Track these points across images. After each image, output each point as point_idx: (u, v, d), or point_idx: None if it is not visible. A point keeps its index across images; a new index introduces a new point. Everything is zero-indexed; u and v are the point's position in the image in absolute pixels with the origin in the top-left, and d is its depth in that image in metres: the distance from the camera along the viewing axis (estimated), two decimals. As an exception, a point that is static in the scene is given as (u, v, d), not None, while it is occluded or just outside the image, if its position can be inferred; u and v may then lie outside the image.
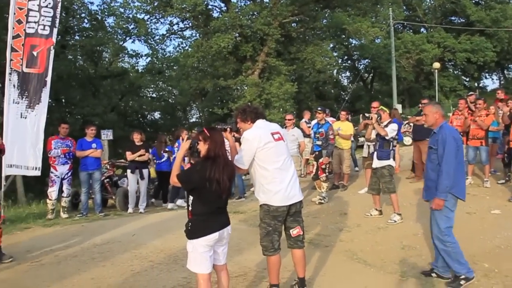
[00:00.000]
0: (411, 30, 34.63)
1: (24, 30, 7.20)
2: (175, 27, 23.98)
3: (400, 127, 7.50)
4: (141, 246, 5.80)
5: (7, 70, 7.12)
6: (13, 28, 7.20)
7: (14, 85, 7.08)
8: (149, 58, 30.12)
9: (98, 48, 26.66)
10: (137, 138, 8.70)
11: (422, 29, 33.88)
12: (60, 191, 8.09)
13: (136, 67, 31.61)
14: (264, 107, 18.33)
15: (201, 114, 36.55)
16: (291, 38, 20.88)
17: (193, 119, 38.08)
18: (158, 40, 26.97)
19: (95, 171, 8.17)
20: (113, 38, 27.77)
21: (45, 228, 6.94)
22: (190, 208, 3.45)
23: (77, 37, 25.31)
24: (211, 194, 3.34)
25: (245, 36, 19.07)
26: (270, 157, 3.85)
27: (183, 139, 9.18)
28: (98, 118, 17.95)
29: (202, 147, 3.45)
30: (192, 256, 3.41)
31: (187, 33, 25.11)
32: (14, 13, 7.28)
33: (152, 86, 32.04)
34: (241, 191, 9.18)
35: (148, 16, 25.76)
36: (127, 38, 29.51)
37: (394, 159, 6.51)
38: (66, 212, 8.10)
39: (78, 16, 25.45)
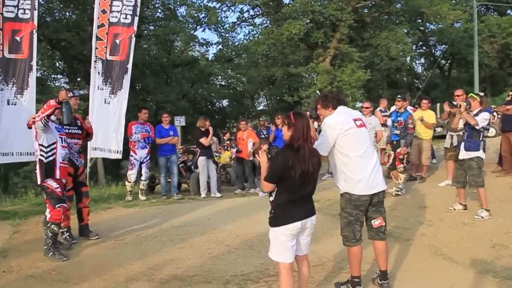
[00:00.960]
0: (496, 12, 31.87)
1: (108, 19, 7.54)
2: (246, 15, 24.08)
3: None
4: (217, 230, 5.88)
5: (92, 58, 7.51)
6: (98, 18, 7.58)
7: (98, 72, 7.46)
8: (219, 46, 30.56)
9: (170, 37, 27.57)
10: (203, 124, 8.84)
11: (508, 11, 31.06)
12: (138, 174, 8.47)
13: (206, 55, 32.25)
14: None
15: (268, 102, 36.60)
16: (364, 24, 20.11)
17: (261, 107, 38.28)
18: (228, 28, 27.26)
19: (172, 155, 8.55)
20: (185, 27, 28.55)
21: (126, 209, 7.29)
22: (272, 197, 3.38)
23: (151, 27, 26.31)
24: (295, 183, 3.22)
25: (317, 22, 18.64)
26: (352, 144, 3.71)
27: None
28: (171, 105, 18.58)
29: (286, 133, 3.35)
30: (273, 244, 3.36)
31: (258, 20, 25.12)
32: (99, 4, 7.66)
33: (221, 74, 32.53)
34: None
35: (219, 5, 26.19)
36: (198, 27, 30.27)
37: (484, 150, 6.00)
38: (144, 194, 8.46)
39: (152, 6, 26.41)
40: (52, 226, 4.79)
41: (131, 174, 8.29)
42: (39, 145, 4.83)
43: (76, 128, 5.48)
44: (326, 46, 19.38)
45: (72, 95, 5.07)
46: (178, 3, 28.68)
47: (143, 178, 8.48)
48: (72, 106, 5.16)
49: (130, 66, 7.42)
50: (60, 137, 4.97)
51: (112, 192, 9.87)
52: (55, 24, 14.31)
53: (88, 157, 7.64)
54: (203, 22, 29.74)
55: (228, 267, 4.57)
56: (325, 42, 19.15)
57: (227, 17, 30.42)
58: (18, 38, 6.87)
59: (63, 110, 4.77)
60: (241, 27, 29.01)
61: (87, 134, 5.66)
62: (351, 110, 4.09)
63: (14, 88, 6.87)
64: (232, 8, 23.86)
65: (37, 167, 4.85)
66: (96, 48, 7.43)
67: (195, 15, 29.12)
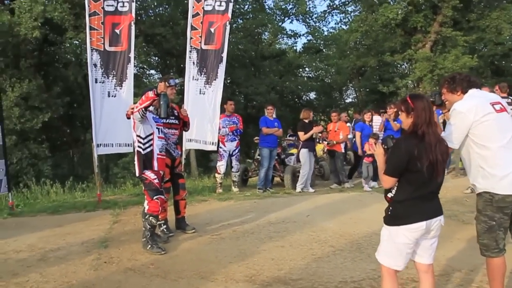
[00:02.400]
0: None
1: (203, 8, 7.37)
2: (337, 2, 23.10)
3: None
4: (318, 228, 5.38)
5: (187, 48, 7.39)
6: (193, 7, 7.43)
7: (193, 63, 7.33)
8: (308, 37, 29.90)
9: (258, 29, 27.46)
10: (307, 116, 8.38)
11: None
12: (228, 166, 8.31)
13: (294, 47, 31.72)
14: (435, 84, 16.34)
15: (357, 94, 35.07)
16: (470, 3, 18.06)
17: (349, 100, 36.88)
18: (318, 17, 26.44)
19: (275, 148, 8.29)
20: (273, 19, 28.27)
21: (220, 202, 7.08)
22: (392, 193, 2.82)
23: (239, 21, 26.42)
24: (422, 176, 2.69)
25: (416, 5, 17.11)
26: (491, 132, 3.03)
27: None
28: (261, 97, 18.42)
29: (405, 121, 2.85)
30: (385, 246, 2.87)
31: (349, 8, 23.97)
32: (194, -8, 7.51)
33: (310, 65, 31.80)
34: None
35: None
36: (286, 19, 29.83)
37: None
38: (236, 186, 8.25)
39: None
40: (150, 218, 4.65)
41: (221, 166, 8.12)
42: (137, 136, 4.71)
43: (173, 118, 5.30)
44: (426, 31, 17.72)
45: (168, 85, 4.88)
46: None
47: (234, 170, 8.28)
48: (169, 96, 4.99)
49: (225, 55, 7.18)
50: (157, 128, 4.82)
51: (205, 184, 9.84)
52: (151, 19, 14.87)
53: (184, 149, 7.56)
54: (291, 13, 29.28)
55: (335, 271, 4.06)
56: (425, 26, 17.51)
57: (315, 6, 29.40)
58: (117, 31, 6.97)
59: (161, 102, 4.59)
60: (332, 15, 27.80)
61: (184, 124, 5.48)
62: (487, 93, 3.46)
63: (114, 80, 6.97)
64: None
65: (136, 158, 4.75)
66: (191, 38, 7.29)
67: (283, 6, 28.73)
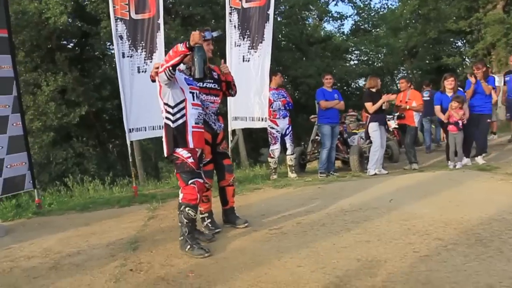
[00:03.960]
0: None
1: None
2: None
3: None
4: (409, 215, 4.01)
5: (227, 10, 6.22)
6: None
7: (234, 26, 6.13)
8: (356, 17, 28.06)
9: (302, 14, 25.99)
10: (375, 84, 6.95)
11: None
12: (283, 148, 7.09)
13: (341, 30, 29.88)
14: (511, 49, 14.18)
15: (410, 77, 32.58)
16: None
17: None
18: None
19: (337, 124, 6.98)
20: (317, 1, 26.67)
21: (277, 189, 5.86)
22: None
23: (282, 8, 25.07)
24: None
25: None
26: None
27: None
28: (312, 79, 17.02)
29: None
30: None
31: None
32: None
33: (359, 48, 29.83)
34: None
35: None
36: (330, 1, 28.10)
37: None
38: (294, 171, 7.00)
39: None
40: (187, 209, 3.50)
41: (275, 149, 6.90)
42: (164, 104, 3.58)
43: (212, 81, 4.12)
44: (496, -12, 15.50)
45: (203, 38, 3.69)
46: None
47: (289, 152, 7.03)
48: (206, 51, 3.82)
49: (271, 12, 5.89)
50: (191, 93, 3.65)
51: (257, 172, 8.65)
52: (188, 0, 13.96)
53: (229, 130, 6.41)
54: (336, -6, 27.55)
55: (459, 276, 2.72)
56: (495, -18, 15.31)
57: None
58: (144, -4, 5.93)
59: (195, 58, 3.43)
60: None
61: (228, 86, 4.27)
62: None
63: (143, 53, 5.93)
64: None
65: (163, 134, 3.61)
66: (230, -3, 6.11)
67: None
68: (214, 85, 4.12)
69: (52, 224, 5.06)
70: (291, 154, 7.06)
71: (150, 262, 3.41)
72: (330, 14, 28.51)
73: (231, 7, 6.13)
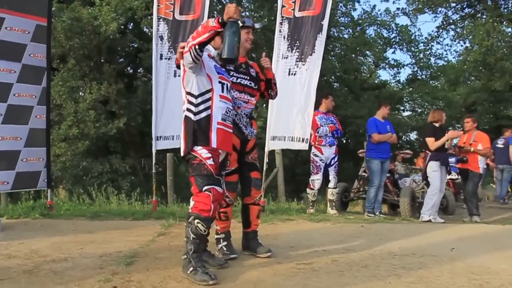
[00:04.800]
0: None
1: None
2: (453, 17, 20.40)
3: None
4: (480, 269, 3.10)
5: (278, 20, 5.69)
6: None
7: (284, 37, 5.58)
8: (413, 67, 27.22)
9: (358, 58, 25.49)
10: (439, 118, 6.10)
11: None
12: (324, 181, 6.28)
13: (396, 78, 28.99)
14: None
15: (466, 134, 30.69)
16: None
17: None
18: (429, 38, 23.94)
19: (387, 160, 6.16)
20: (374, 47, 26.15)
21: (312, 223, 5.04)
22: None
23: (337, 49, 24.74)
24: None
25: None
26: None
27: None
28: (362, 120, 16.20)
29: None
30: None
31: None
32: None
33: (414, 98, 28.69)
34: None
35: (412, 19, 23.26)
36: (388, 48, 27.45)
37: None
38: (334, 207, 6.14)
39: (339, 28, 24.90)
40: (196, 222, 2.81)
41: (315, 180, 6.12)
42: (187, 94, 2.98)
43: (248, 78, 3.50)
44: None
45: (242, 24, 3.12)
46: (366, 23, 26.59)
47: (331, 185, 6.20)
48: (242, 44, 3.24)
49: (325, 23, 5.30)
50: (220, 83, 3.03)
51: (293, 206, 7.83)
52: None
53: (266, 151, 5.72)
54: (393, 42, 26.91)
55: None
56: None
57: (421, 35, 26.88)
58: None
59: (226, 34, 2.82)
60: (447, 31, 24.47)
61: (268, 85, 3.63)
62: None
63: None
64: (432, 15, 20.50)
65: (182, 128, 2.99)
66: (283, 6, 5.59)
67: (385, 35, 26.51)
68: (250, 83, 3.49)
69: (54, 227, 4.51)
70: (334, 188, 6.24)
71: (140, 282, 2.71)
72: (386, 61, 27.84)
73: (282, 17, 5.60)
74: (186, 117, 2.97)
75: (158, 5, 5.57)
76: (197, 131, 2.91)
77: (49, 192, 5.50)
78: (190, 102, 2.96)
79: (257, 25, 3.54)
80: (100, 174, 12.98)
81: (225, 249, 3.37)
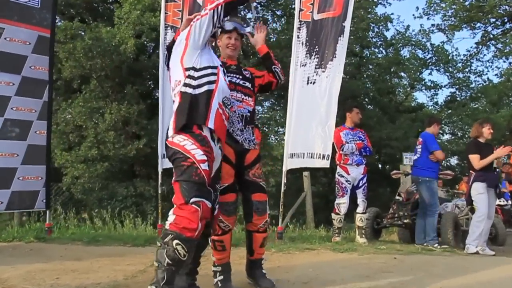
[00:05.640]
0: None
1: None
2: (494, 32, 19.40)
3: None
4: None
5: (295, 25, 5.16)
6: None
7: (302, 43, 5.02)
8: (452, 88, 26.09)
9: (392, 81, 24.68)
10: (487, 133, 5.31)
11: None
12: (351, 205, 5.57)
13: (434, 99, 27.78)
14: None
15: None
16: None
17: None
18: (468, 54, 22.89)
19: (436, 181, 5.45)
20: (409, 68, 25.27)
21: (335, 253, 4.33)
22: None
23: (370, 70, 24.04)
24: None
25: None
26: None
27: None
28: (397, 142, 15.31)
29: None
30: None
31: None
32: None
33: (452, 121, 27.33)
34: None
35: (449, 35, 22.29)
36: (423, 69, 26.46)
37: None
38: (364, 236, 5.39)
39: (372, 50, 24.29)
40: (175, 243, 2.23)
41: (341, 204, 5.41)
42: (186, 70, 2.47)
43: (240, 77, 2.95)
44: None
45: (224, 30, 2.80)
46: (400, 43, 25.83)
47: (360, 210, 5.46)
48: (223, 49, 2.92)
49: (348, 24, 4.70)
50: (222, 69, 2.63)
51: (318, 234, 7.11)
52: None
53: (283, 170, 5.10)
54: (429, 63, 25.94)
55: None
56: None
57: (459, 55, 25.82)
58: (199, 1, 5.14)
59: None
60: (487, 47, 23.30)
61: (268, 63, 3.06)
62: None
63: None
64: (469, 31, 19.56)
65: (175, 106, 2.47)
66: (301, 10, 5.07)
67: (421, 56, 25.62)
68: (244, 83, 2.95)
69: (42, 253, 4.06)
70: (363, 213, 5.49)
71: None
72: (423, 83, 26.79)
73: (300, 21, 5.06)
74: (182, 93, 2.44)
75: (165, 13, 5.20)
76: (194, 105, 2.38)
77: (48, 213, 5.09)
78: (189, 77, 2.45)
79: (244, 30, 3.01)
80: (125, 198, 12.70)
81: (219, 284, 2.76)
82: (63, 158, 10.30)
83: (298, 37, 5.09)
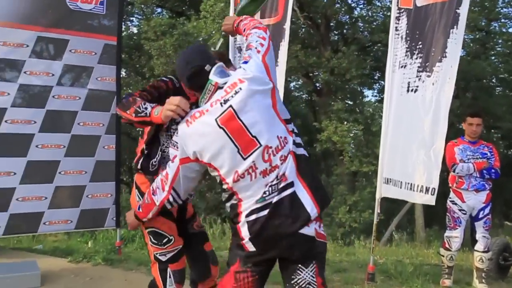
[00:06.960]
0: None
1: None
2: None
3: None
4: None
5: (393, 14, 4.07)
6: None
7: (401, 37, 3.93)
8: None
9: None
10: None
11: None
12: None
13: None
14: None
15: None
16: None
17: None
18: None
19: None
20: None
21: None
22: None
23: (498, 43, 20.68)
24: None
25: None
26: None
27: None
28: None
29: None
30: None
31: None
32: None
33: None
34: None
35: None
36: None
37: None
38: (484, 280, 4.19)
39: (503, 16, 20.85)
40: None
41: (453, 237, 4.25)
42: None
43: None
44: None
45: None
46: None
47: (480, 247, 4.25)
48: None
49: (463, 11, 3.41)
50: None
51: (429, 257, 5.94)
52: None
53: (377, 197, 4.13)
54: None
55: None
56: None
57: None
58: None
59: None
60: None
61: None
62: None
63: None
64: None
65: None
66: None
67: None
68: None
69: (100, 281, 3.77)
70: (484, 252, 4.27)
71: None
72: None
73: (399, 8, 3.96)
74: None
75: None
76: None
77: (118, 231, 4.87)
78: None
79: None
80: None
81: None
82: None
83: (396, 29, 4.01)
